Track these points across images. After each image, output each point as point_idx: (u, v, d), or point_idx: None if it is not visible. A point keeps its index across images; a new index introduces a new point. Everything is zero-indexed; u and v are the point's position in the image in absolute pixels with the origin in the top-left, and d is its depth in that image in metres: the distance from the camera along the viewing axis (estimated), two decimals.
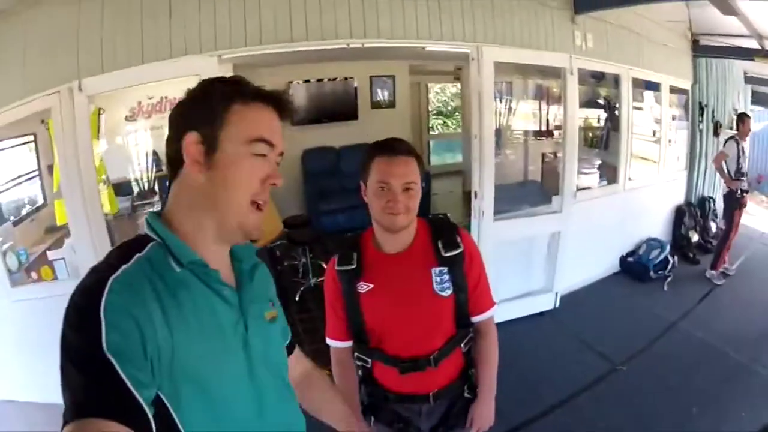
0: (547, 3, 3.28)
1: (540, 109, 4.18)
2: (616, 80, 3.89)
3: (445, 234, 1.25)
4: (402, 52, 4.42)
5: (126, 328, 0.59)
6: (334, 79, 5.41)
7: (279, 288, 0.98)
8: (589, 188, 3.73)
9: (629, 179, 4.01)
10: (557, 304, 3.52)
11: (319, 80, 5.37)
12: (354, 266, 1.24)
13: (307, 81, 5.31)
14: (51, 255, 2.76)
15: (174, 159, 0.72)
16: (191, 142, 0.70)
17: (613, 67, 3.79)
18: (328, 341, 1.33)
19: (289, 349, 0.97)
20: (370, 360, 1.29)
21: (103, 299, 0.59)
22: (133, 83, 2.55)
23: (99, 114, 3.01)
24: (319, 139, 5.42)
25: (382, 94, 5.79)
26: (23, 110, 2.51)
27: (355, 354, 1.31)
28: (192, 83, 0.76)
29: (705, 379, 2.80)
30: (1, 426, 2.87)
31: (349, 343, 1.31)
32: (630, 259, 4.17)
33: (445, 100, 10.13)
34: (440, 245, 1.23)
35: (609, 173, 3.91)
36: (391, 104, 5.85)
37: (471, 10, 2.94)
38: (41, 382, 2.92)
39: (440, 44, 2.98)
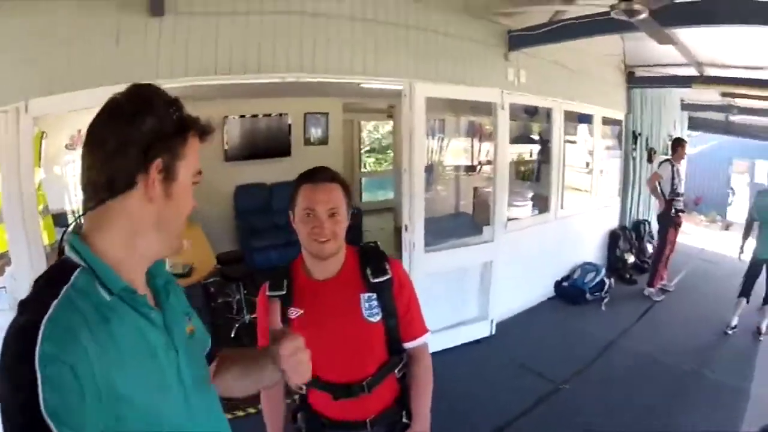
0: (481, 41, 3.46)
1: (472, 145, 4.35)
2: (548, 114, 4.10)
3: (372, 261, 1.28)
4: (337, 89, 4.52)
5: (63, 383, 0.59)
6: (269, 115, 5.45)
7: (213, 325, 0.95)
8: (518, 219, 3.88)
9: (561, 208, 4.22)
10: (493, 331, 3.63)
11: (254, 116, 5.38)
12: (284, 292, 1.25)
13: (242, 116, 5.33)
14: None
15: (116, 184, 0.69)
16: (156, 170, 0.70)
17: (546, 101, 4.00)
18: None
19: (212, 356, 0.94)
20: (304, 386, 1.25)
21: (37, 350, 0.58)
22: (77, 107, 2.46)
23: (42, 138, 2.91)
24: (252, 175, 5.42)
25: (316, 131, 5.87)
26: None
27: None
28: None
29: (651, 390, 2.90)
30: None
31: None
32: (565, 283, 4.34)
33: (378, 138, 10.24)
34: (369, 272, 1.26)
35: (541, 204, 4.11)
36: (324, 141, 5.93)
37: (405, 47, 3.06)
38: None
39: (374, 80, 3.09)
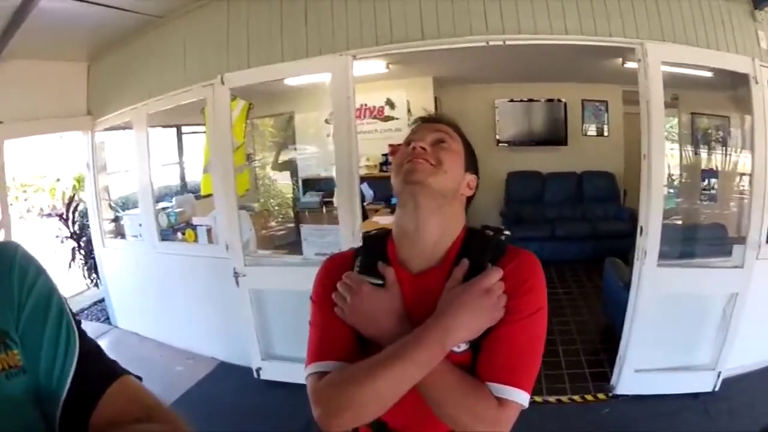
0: None
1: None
2: None
3: (473, 253, 0.83)
4: (612, 73, 3.97)
5: None
6: (544, 101, 5.23)
7: None
8: None
9: None
10: (717, 388, 2.71)
11: (530, 100, 5.23)
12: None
13: (513, 101, 5.24)
14: (196, 221, 3.32)
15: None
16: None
17: None
18: (317, 366, 0.82)
19: (94, 390, 0.59)
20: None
21: None
22: (267, 79, 2.85)
23: (248, 109, 3.31)
24: (526, 162, 5.27)
25: (594, 121, 5.40)
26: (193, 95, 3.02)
27: None
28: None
29: None
30: (124, 351, 3.50)
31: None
32: None
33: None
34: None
35: None
36: (601, 132, 5.39)
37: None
38: (161, 323, 3.62)
39: (593, 40, 2.54)
